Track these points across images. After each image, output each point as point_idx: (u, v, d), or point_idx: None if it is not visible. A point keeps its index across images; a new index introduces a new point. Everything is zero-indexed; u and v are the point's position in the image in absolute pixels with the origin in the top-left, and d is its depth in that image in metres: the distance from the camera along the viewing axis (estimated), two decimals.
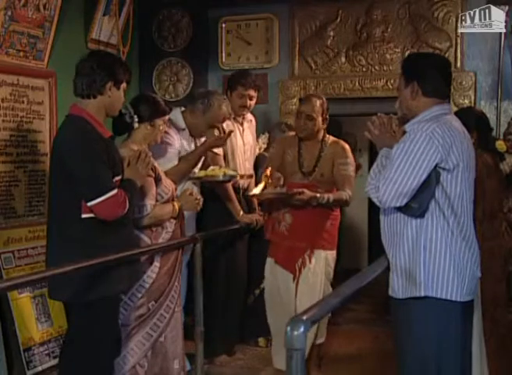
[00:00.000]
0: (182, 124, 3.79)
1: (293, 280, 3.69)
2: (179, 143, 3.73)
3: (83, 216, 2.72)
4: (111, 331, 2.90)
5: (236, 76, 4.24)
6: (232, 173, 3.79)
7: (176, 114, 3.77)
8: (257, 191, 3.62)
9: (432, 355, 2.46)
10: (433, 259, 2.44)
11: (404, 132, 2.54)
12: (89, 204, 2.68)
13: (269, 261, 3.83)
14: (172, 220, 3.25)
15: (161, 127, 3.22)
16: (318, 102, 3.71)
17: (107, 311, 2.84)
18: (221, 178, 3.71)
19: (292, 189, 3.59)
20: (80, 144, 2.70)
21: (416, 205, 2.43)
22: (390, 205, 2.45)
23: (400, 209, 2.47)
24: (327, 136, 3.78)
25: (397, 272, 2.52)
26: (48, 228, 2.88)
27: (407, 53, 4.72)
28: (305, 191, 3.52)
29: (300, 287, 3.69)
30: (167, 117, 3.30)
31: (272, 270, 3.81)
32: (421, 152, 2.38)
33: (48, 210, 2.97)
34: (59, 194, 2.78)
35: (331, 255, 3.75)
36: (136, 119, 3.10)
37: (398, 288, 2.52)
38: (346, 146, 3.77)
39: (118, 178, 2.82)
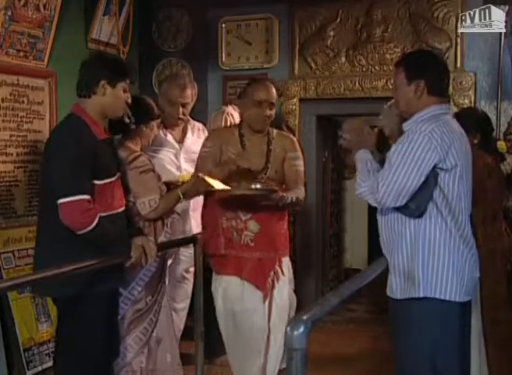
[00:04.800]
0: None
1: (264, 298, 3.18)
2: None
3: None
4: (101, 330, 2.82)
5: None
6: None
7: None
8: (220, 185, 3.01)
9: (429, 356, 2.46)
10: (432, 259, 2.44)
11: (401, 131, 2.54)
12: (58, 202, 2.62)
13: (226, 280, 3.26)
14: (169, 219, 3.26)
15: (154, 129, 3.26)
16: (273, 87, 3.26)
17: (96, 309, 2.77)
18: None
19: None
20: (65, 143, 2.67)
21: (414, 205, 2.42)
22: (390, 206, 2.45)
23: (398, 209, 2.47)
24: (270, 127, 3.32)
25: (395, 272, 2.52)
26: (38, 224, 2.85)
27: None
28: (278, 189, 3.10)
29: (274, 306, 3.18)
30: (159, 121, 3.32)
31: (232, 292, 3.24)
32: (419, 153, 2.37)
33: (38, 206, 2.97)
34: (48, 190, 2.75)
35: (288, 261, 3.33)
36: (134, 121, 3.10)
37: (396, 288, 2.52)
38: (294, 138, 3.41)
39: (108, 180, 2.76)
